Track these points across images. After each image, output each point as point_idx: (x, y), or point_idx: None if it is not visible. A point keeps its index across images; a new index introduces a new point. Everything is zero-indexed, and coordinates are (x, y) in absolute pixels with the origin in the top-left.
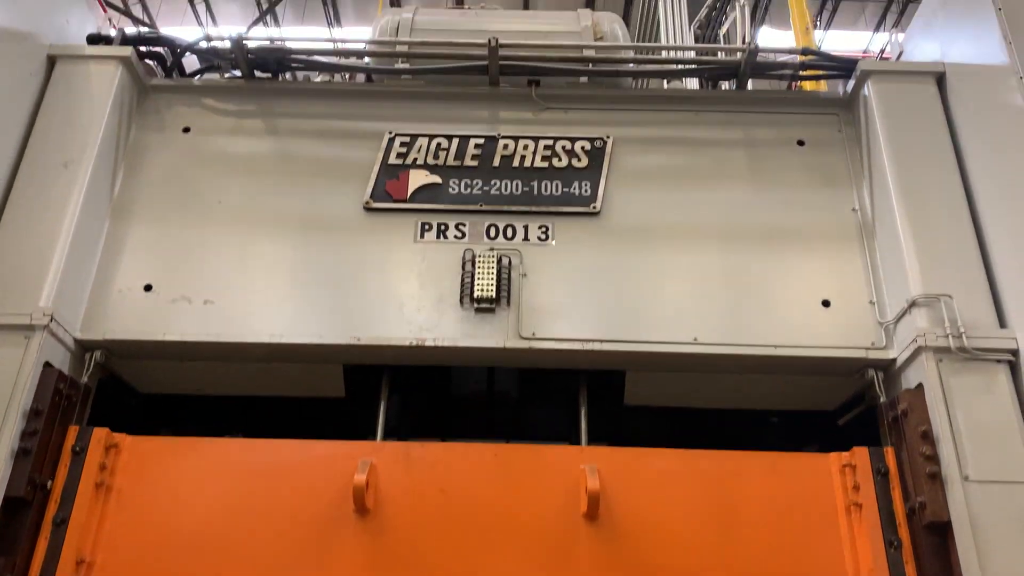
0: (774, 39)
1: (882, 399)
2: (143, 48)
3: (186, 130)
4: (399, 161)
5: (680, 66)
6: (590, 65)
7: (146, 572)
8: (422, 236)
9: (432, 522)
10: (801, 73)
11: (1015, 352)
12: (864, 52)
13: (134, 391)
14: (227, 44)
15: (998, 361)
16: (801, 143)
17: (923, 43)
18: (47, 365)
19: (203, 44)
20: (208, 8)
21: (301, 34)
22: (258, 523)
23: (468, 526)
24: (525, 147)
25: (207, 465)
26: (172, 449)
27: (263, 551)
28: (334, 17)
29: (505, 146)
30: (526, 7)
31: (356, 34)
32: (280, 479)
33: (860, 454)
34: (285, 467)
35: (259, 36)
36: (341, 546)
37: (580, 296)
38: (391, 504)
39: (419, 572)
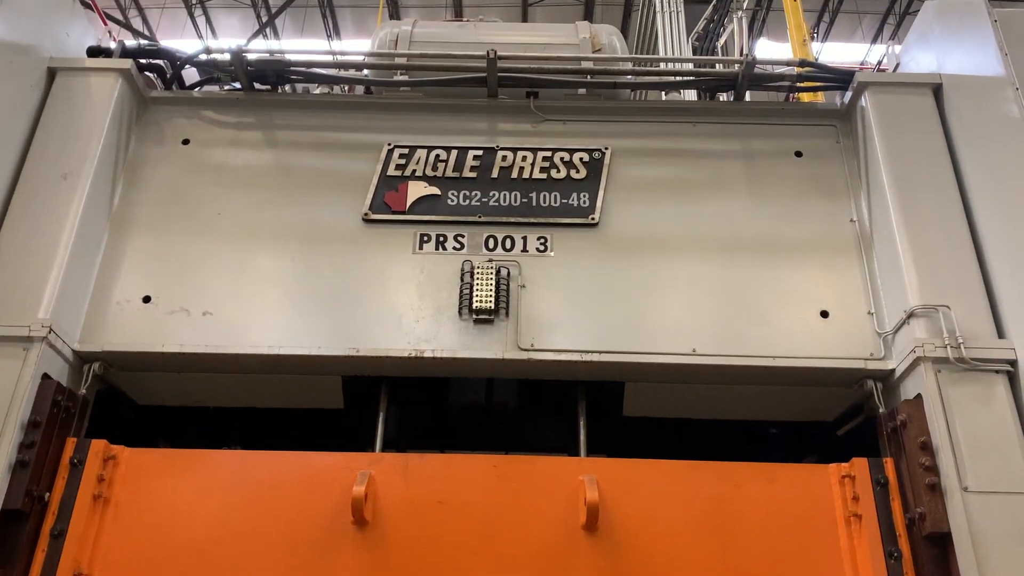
0: (771, 51)
1: (881, 410)
2: (143, 60)
3: (185, 142)
4: (398, 172)
5: (678, 78)
6: (588, 77)
7: None
8: (421, 247)
9: (431, 534)
10: (798, 85)
11: (1013, 362)
12: (861, 64)
13: (132, 403)
14: (227, 56)
15: (996, 371)
16: (799, 154)
17: (919, 55)
18: (45, 376)
19: (203, 56)
20: (208, 21)
21: (300, 46)
22: (256, 535)
23: (467, 537)
24: (524, 158)
25: (205, 477)
26: (170, 461)
27: (261, 563)
28: (333, 29)
29: (504, 157)
30: (525, 19)
31: (355, 46)
32: (278, 491)
33: (859, 465)
34: (283, 479)
35: (259, 48)
36: (339, 558)
37: (579, 307)
38: (390, 516)
39: None
